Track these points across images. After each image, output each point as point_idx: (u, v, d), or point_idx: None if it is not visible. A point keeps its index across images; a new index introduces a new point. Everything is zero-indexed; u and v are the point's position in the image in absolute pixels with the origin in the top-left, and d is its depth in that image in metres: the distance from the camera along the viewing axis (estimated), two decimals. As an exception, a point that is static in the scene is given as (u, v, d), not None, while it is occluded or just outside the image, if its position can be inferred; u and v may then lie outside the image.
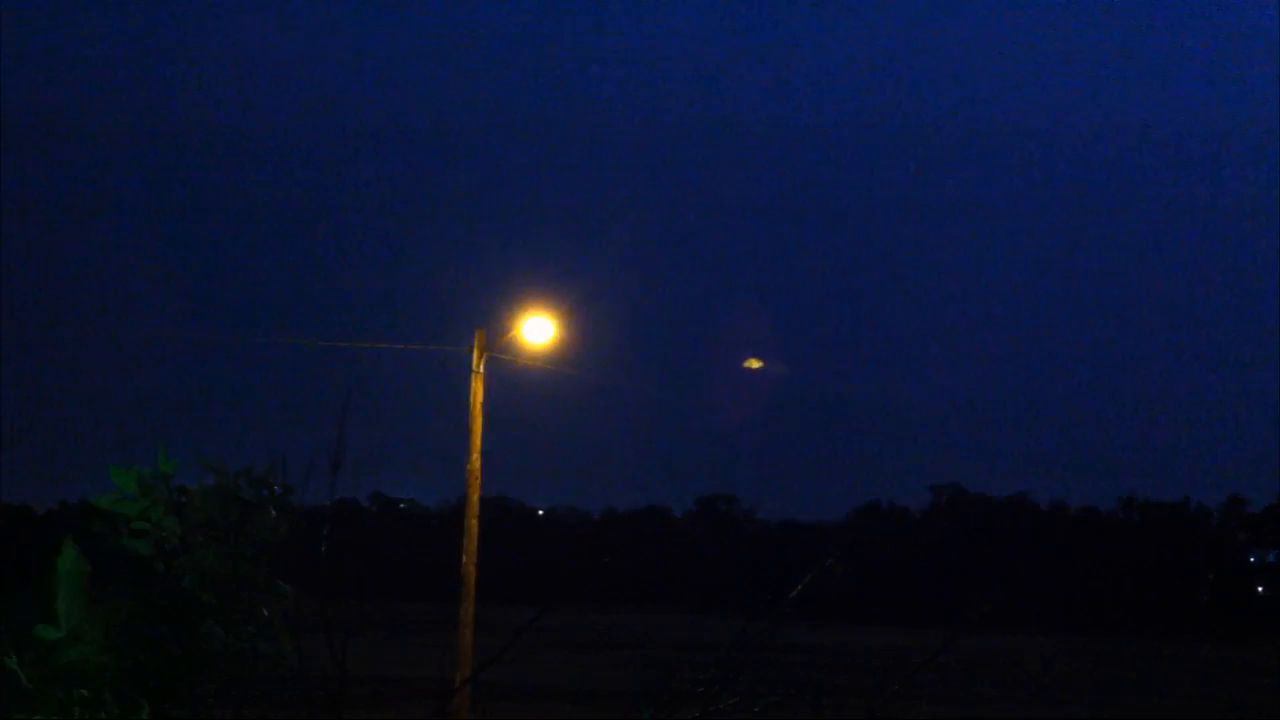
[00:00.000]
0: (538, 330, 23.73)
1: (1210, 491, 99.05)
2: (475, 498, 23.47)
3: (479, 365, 23.37)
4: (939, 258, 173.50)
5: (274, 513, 4.60)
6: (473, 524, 23.32)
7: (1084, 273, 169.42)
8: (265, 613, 4.51)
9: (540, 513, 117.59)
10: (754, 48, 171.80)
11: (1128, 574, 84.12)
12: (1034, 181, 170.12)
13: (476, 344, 23.48)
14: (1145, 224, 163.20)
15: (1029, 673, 49.21)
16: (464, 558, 23.28)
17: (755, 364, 25.53)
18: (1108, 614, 77.59)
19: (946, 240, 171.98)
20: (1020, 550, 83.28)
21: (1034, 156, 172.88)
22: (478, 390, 23.32)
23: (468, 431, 23.25)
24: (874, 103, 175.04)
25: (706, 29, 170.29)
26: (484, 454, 23.39)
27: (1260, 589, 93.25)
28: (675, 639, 56.72)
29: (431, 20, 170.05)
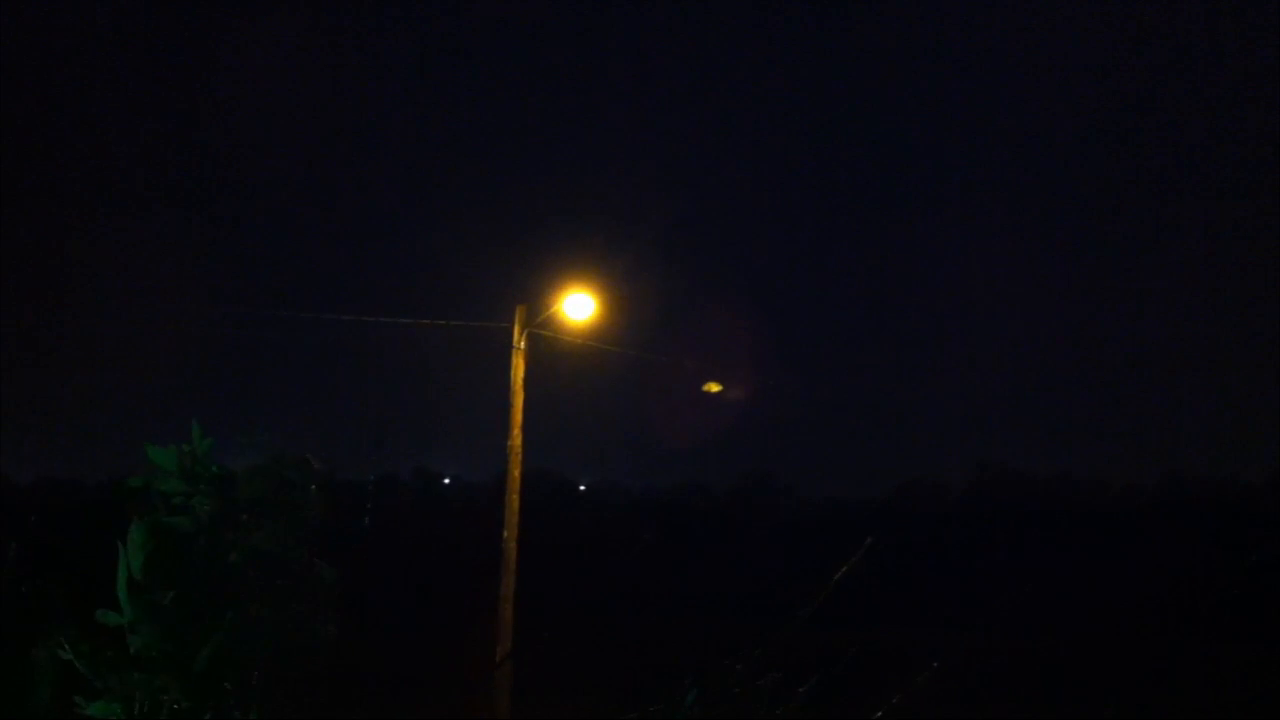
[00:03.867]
0: (578, 306, 23.74)
1: (1254, 467, 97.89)
2: (516, 473, 23.58)
3: (520, 342, 23.42)
4: (979, 230, 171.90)
5: (314, 490, 4.52)
6: (514, 499, 23.45)
7: (1128, 242, 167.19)
8: (311, 591, 4.43)
9: (582, 488, 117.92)
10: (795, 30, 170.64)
11: (1168, 557, 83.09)
12: (1079, 151, 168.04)
13: (518, 320, 23.55)
14: (1192, 189, 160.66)
15: (1047, 671, 48.49)
16: (505, 533, 23.44)
17: (714, 388, 25.15)
18: (1142, 603, 76.67)
19: (986, 213, 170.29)
20: (1057, 537, 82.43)
21: (1074, 131, 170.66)
22: (519, 366, 23.40)
23: (509, 408, 23.36)
24: (917, 79, 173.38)
25: (740, 14, 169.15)
26: (525, 430, 23.48)
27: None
28: (705, 630, 56.62)
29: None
